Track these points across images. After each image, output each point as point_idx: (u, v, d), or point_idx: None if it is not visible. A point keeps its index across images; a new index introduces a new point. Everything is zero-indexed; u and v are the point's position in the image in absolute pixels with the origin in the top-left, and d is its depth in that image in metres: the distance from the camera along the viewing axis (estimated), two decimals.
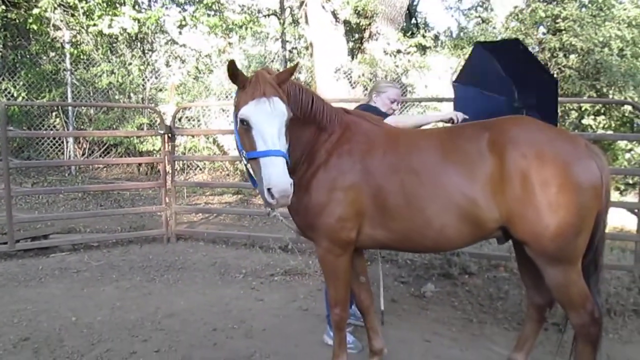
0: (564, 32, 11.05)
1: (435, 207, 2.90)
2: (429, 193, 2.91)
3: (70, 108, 11.00)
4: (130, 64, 11.32)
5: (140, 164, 11.51)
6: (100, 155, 11.43)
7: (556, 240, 2.75)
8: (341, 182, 2.99)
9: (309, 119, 3.09)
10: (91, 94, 11.43)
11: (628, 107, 11.35)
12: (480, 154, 2.87)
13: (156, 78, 12.15)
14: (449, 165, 2.92)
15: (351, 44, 12.86)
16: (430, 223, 2.93)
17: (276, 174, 2.58)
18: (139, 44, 11.80)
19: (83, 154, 11.31)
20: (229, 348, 3.96)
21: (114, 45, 11.52)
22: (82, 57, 11.05)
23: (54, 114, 11.05)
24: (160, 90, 12.33)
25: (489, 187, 2.82)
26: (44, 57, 11.24)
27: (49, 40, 10.82)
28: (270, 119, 2.68)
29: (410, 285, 5.42)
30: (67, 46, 10.89)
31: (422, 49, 13.07)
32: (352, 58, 12.12)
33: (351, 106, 4.05)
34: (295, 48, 15.22)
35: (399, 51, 12.25)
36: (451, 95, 4.42)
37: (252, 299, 5.09)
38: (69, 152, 10.97)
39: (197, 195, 10.30)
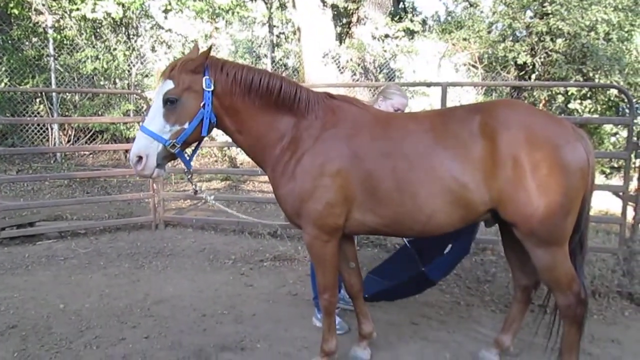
0: (551, 15, 11.05)
1: (426, 192, 2.90)
2: (419, 178, 2.91)
3: (54, 94, 10.85)
4: (115, 49, 11.17)
5: (127, 151, 11.38)
6: (86, 142, 11.31)
7: (545, 222, 2.78)
8: (328, 167, 2.98)
9: (280, 103, 3.09)
10: (75, 80, 11.27)
11: (614, 91, 11.44)
12: (471, 137, 2.88)
13: (142, 64, 12.01)
14: (439, 149, 2.91)
15: (339, 28, 12.76)
16: (420, 208, 2.93)
17: (133, 146, 2.92)
18: (123, 28, 11.64)
19: (68, 141, 11.18)
20: (218, 333, 3.97)
21: (98, 30, 11.36)
22: (65, 42, 10.88)
23: (37, 100, 10.90)
24: (147, 76, 12.20)
25: (480, 170, 2.83)
26: (27, 43, 11.05)
27: (31, 25, 10.63)
28: (154, 99, 2.98)
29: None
30: (50, 31, 10.71)
31: (410, 33, 13.02)
32: (340, 43, 12.04)
33: (339, 91, 4.04)
34: (283, 33, 15.07)
35: (387, 36, 12.18)
36: (440, 79, 4.39)
37: (242, 284, 5.09)
38: (54, 139, 10.84)
39: (185, 181, 10.23)
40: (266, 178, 3.81)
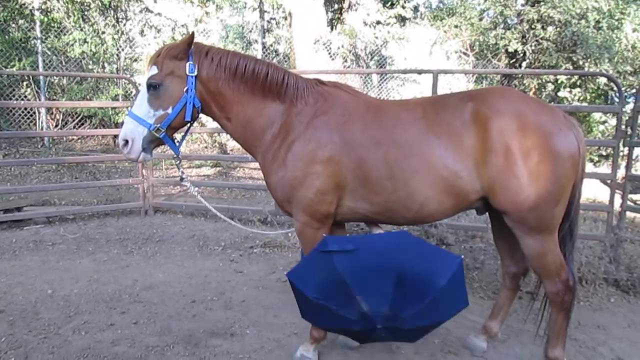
0: (542, 3, 11.05)
1: (418, 180, 2.89)
2: (411, 165, 2.90)
3: (41, 78, 10.68)
4: (103, 32, 11.01)
5: (115, 136, 11.26)
6: (74, 127, 11.18)
7: (536, 210, 2.80)
8: (320, 154, 2.96)
9: (267, 89, 3.08)
10: (63, 64, 11.10)
11: (603, 79, 11.50)
12: (463, 125, 2.87)
13: (131, 48, 11.85)
14: (431, 137, 2.90)
15: (330, 14, 12.69)
16: (412, 196, 2.92)
17: (121, 130, 2.99)
18: (112, 12, 11.46)
19: (56, 126, 11.04)
20: (208, 319, 3.97)
21: (86, 13, 11.16)
22: (53, 25, 10.69)
23: (24, 83, 10.73)
24: (136, 60, 12.04)
25: (472, 158, 2.83)
26: (13, 25, 10.85)
27: (17, 6, 10.42)
28: (142, 85, 3.05)
29: None
30: (37, 13, 10.51)
31: (402, 20, 12.97)
32: (332, 29, 11.97)
33: (331, 78, 4.01)
34: (274, 18, 14.95)
35: (378, 22, 12.13)
36: (431, 66, 4.32)
37: (231, 271, 5.09)
38: (42, 123, 10.70)
39: (175, 167, 10.17)
40: (257, 165, 3.80)
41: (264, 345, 3.59)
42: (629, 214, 5.82)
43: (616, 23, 11.72)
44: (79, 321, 3.88)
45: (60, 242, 5.81)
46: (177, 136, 3.32)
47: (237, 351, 3.49)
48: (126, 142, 2.98)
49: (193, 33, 3.00)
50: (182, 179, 3.44)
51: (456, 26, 12.52)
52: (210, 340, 3.63)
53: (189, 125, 3.29)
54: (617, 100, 5.44)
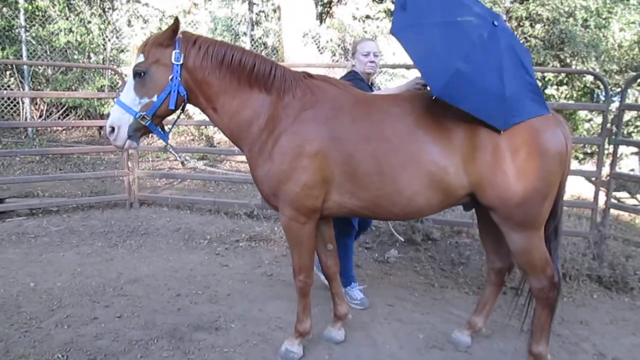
0: (530, 1, 11.08)
1: (406, 176, 2.89)
2: (399, 161, 2.89)
3: (25, 67, 10.49)
4: (89, 22, 10.84)
5: (101, 127, 11.13)
6: (58, 118, 11.03)
7: (523, 206, 2.81)
8: (307, 148, 2.94)
9: (253, 81, 3.06)
10: (48, 53, 10.93)
11: (590, 78, 11.58)
12: (452, 120, 2.86)
13: (117, 38, 11.69)
14: (420, 132, 2.89)
15: (320, 8, 12.62)
16: (400, 191, 2.92)
17: (109, 118, 3.01)
18: (98, 1, 11.29)
19: (40, 116, 10.88)
20: (193, 313, 3.95)
21: (72, 2, 10.99)
22: (37, 13, 10.50)
23: (7, 73, 10.54)
24: (122, 51, 11.89)
25: (460, 154, 2.82)
26: None
27: None
28: (130, 73, 3.06)
29: (374, 251, 5.49)
30: (21, 1, 10.32)
31: (391, 14, 12.93)
32: (321, 23, 11.92)
33: (319, 72, 3.98)
34: (263, 11, 14.83)
35: (367, 17, 12.09)
36: None
37: (217, 264, 5.07)
38: (25, 113, 10.53)
39: (161, 160, 10.10)
40: (243, 158, 3.78)
41: (249, 339, 3.57)
42: (612, 211, 5.88)
43: (603, 22, 11.79)
44: (61, 315, 3.83)
45: (43, 235, 5.74)
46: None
47: (221, 345, 3.47)
48: (112, 129, 2.98)
49: (177, 19, 2.96)
50: (183, 164, 3.58)
51: None
52: (195, 334, 3.61)
53: (178, 113, 3.29)
54: (603, 98, 5.49)
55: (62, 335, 3.54)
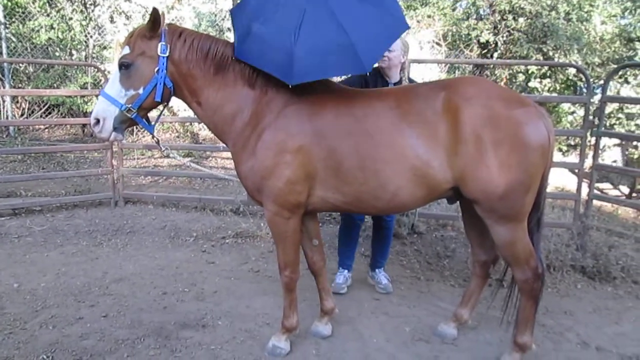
0: None
1: (390, 170, 2.89)
2: (383, 156, 2.89)
3: (6, 64, 10.34)
4: (70, 18, 10.69)
5: (84, 125, 11.03)
6: (41, 116, 10.89)
7: (506, 199, 2.83)
8: (290, 144, 2.94)
9: (237, 75, 3.05)
10: (29, 50, 10.76)
11: (572, 70, 11.70)
12: (435, 114, 2.87)
13: (100, 35, 11.55)
14: (404, 126, 2.89)
15: None
16: (384, 186, 2.93)
17: (93, 109, 3.01)
18: None
19: (22, 115, 10.72)
20: (179, 311, 3.94)
21: None
22: (17, 9, 10.33)
23: None
24: (105, 47, 11.74)
25: (444, 148, 2.84)
26: None
27: None
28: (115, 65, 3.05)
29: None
30: None
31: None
32: None
33: None
34: None
35: None
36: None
37: (203, 261, 5.05)
38: (6, 112, 10.37)
39: (146, 157, 10.02)
40: (229, 154, 3.77)
41: (236, 336, 3.57)
42: (595, 202, 5.96)
43: (585, 15, 11.91)
44: (46, 315, 3.80)
45: (26, 235, 5.67)
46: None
47: (208, 342, 3.47)
48: (97, 121, 2.98)
49: (155, 9, 2.93)
50: (166, 155, 3.52)
51: (429, 16, 12.54)
52: (182, 332, 3.60)
53: (161, 109, 3.31)
54: (585, 91, 5.54)
55: (47, 336, 3.50)
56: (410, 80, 4.25)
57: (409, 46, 4.25)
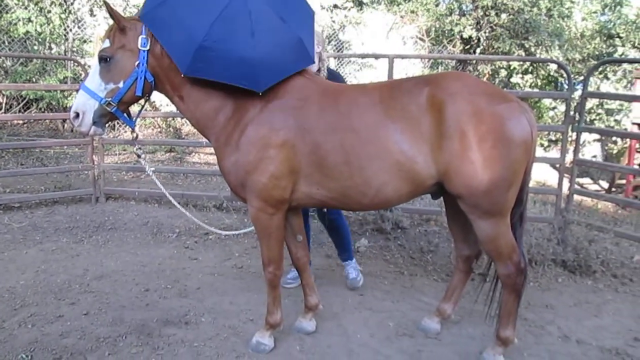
0: None
1: (374, 166, 2.88)
2: (367, 151, 2.88)
3: None
4: (49, 11, 10.49)
5: (64, 120, 10.85)
6: (19, 111, 10.69)
7: (490, 194, 2.83)
8: (273, 139, 2.91)
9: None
10: (6, 44, 10.55)
11: (553, 66, 11.84)
12: (419, 109, 2.86)
13: (79, 28, 11.36)
14: (388, 122, 2.88)
15: None
16: (368, 182, 2.92)
17: (73, 103, 2.97)
18: None
19: (0, 109, 10.53)
20: (162, 308, 3.90)
21: None
22: None
23: None
24: (85, 41, 11.56)
25: (428, 143, 2.83)
26: None
27: None
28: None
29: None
30: None
31: (359, 4, 12.94)
32: None
33: None
34: None
35: (335, 6, 12.06)
36: (387, 51, 4.24)
37: (186, 258, 5.01)
38: None
39: (128, 153, 9.90)
40: (212, 150, 3.73)
41: (220, 332, 3.54)
42: (576, 197, 6.03)
43: (566, 11, 12.06)
44: (25, 314, 3.73)
45: (5, 232, 5.56)
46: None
47: (191, 339, 3.44)
48: (77, 114, 2.94)
49: (106, 3, 2.92)
50: (139, 156, 3.38)
51: (412, 12, 12.59)
52: (164, 329, 3.56)
53: (142, 104, 3.26)
54: (566, 86, 5.60)
55: (26, 334, 3.44)
56: (330, 71, 4.18)
57: (323, 36, 4.16)
